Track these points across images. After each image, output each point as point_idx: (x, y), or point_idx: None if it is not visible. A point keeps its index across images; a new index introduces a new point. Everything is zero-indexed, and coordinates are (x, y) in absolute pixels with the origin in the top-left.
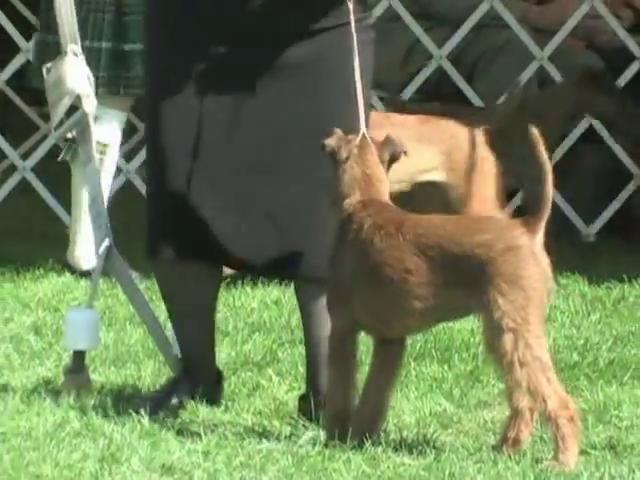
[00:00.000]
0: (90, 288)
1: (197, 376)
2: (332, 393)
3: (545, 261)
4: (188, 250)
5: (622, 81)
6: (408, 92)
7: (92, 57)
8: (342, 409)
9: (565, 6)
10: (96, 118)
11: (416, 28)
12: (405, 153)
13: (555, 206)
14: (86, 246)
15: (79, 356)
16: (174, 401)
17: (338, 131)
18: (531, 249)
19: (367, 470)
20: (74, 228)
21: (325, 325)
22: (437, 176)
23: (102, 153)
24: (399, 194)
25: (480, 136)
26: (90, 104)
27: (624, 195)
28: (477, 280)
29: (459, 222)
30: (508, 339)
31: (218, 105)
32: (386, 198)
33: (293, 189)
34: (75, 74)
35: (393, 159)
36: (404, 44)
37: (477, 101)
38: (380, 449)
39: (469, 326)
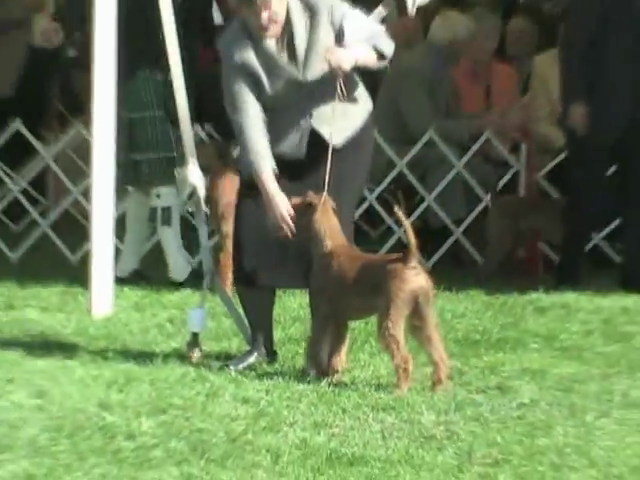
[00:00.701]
0: (201, 295)
1: (261, 347)
2: (314, 345)
3: (421, 281)
4: (257, 281)
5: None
6: None
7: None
8: (320, 356)
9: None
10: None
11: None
12: None
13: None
14: (183, 266)
15: (195, 336)
16: (250, 361)
17: (310, 193)
18: (404, 273)
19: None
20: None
21: None
22: None
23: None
24: None
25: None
26: (201, 191)
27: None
28: (377, 292)
29: (374, 257)
30: (383, 324)
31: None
32: (343, 238)
33: None
34: (194, 174)
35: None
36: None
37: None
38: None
39: None
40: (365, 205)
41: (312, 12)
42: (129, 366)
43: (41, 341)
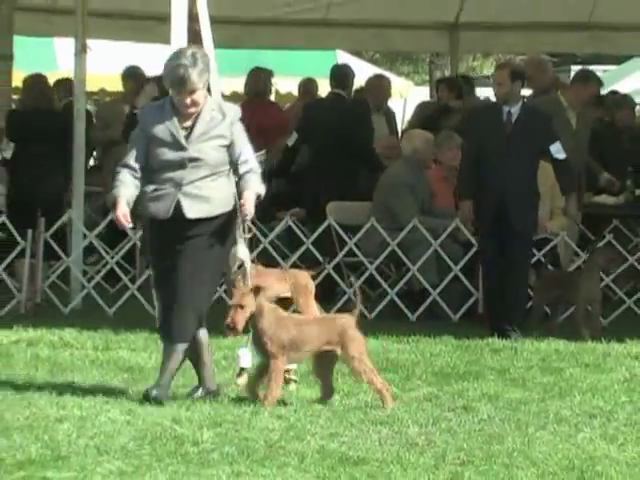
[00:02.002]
0: (247, 338)
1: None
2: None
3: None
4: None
5: None
6: None
7: None
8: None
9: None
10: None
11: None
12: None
13: None
14: None
15: (242, 369)
16: (197, 394)
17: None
18: (353, 327)
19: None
20: None
21: None
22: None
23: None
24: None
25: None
26: (248, 265)
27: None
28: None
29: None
30: (355, 364)
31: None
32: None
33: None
34: (242, 251)
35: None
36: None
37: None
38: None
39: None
40: (367, 274)
41: (222, 113)
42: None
43: (129, 373)
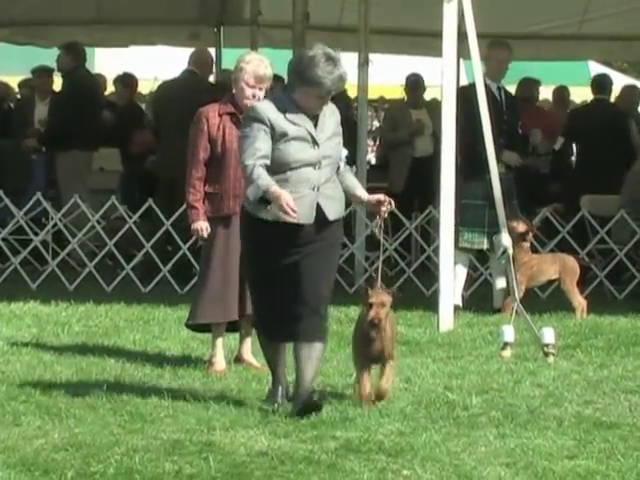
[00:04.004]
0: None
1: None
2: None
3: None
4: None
5: None
6: None
7: None
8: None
9: None
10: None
11: None
12: None
13: None
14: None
15: (506, 344)
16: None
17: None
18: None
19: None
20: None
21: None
22: None
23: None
24: None
25: None
26: (510, 250)
27: None
28: None
29: None
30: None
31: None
32: None
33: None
34: (505, 239)
35: None
36: None
37: None
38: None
39: None
40: (616, 260)
41: (331, 110)
42: (462, 363)
43: (407, 346)
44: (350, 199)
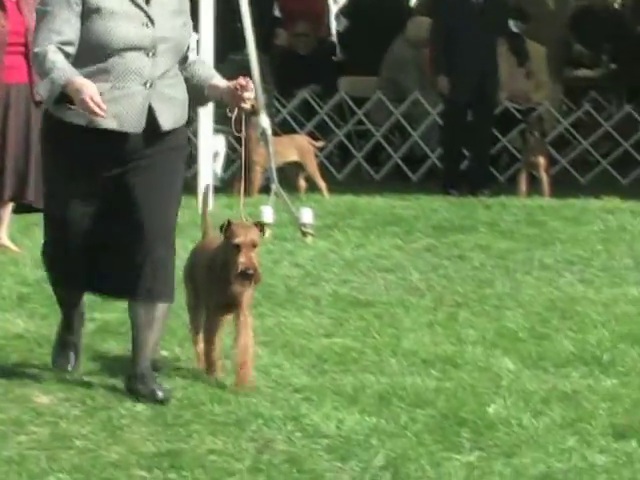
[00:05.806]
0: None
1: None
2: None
3: None
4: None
5: None
6: None
7: None
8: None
9: None
10: None
11: None
12: None
13: None
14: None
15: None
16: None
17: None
18: None
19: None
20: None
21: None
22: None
23: None
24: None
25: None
26: (269, 131)
27: None
28: None
29: None
30: None
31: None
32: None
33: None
34: (264, 121)
35: None
36: None
37: None
38: None
39: None
40: (373, 141)
41: None
42: None
43: None
44: (208, 96)
